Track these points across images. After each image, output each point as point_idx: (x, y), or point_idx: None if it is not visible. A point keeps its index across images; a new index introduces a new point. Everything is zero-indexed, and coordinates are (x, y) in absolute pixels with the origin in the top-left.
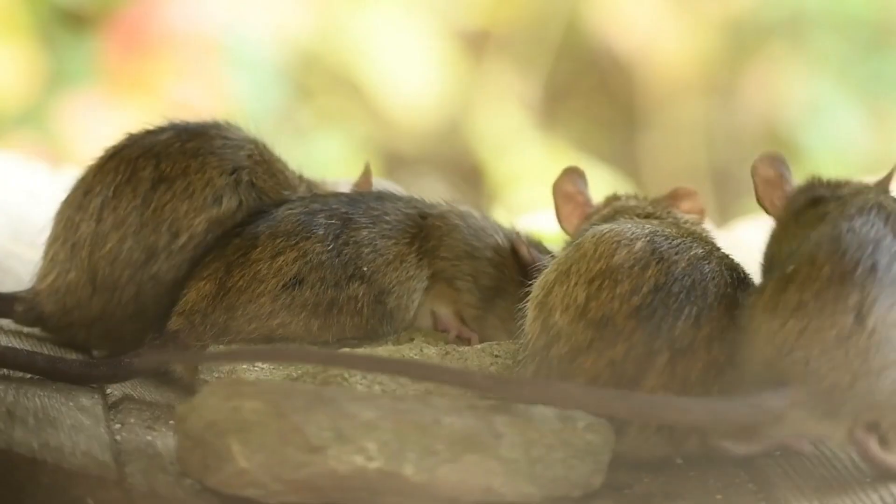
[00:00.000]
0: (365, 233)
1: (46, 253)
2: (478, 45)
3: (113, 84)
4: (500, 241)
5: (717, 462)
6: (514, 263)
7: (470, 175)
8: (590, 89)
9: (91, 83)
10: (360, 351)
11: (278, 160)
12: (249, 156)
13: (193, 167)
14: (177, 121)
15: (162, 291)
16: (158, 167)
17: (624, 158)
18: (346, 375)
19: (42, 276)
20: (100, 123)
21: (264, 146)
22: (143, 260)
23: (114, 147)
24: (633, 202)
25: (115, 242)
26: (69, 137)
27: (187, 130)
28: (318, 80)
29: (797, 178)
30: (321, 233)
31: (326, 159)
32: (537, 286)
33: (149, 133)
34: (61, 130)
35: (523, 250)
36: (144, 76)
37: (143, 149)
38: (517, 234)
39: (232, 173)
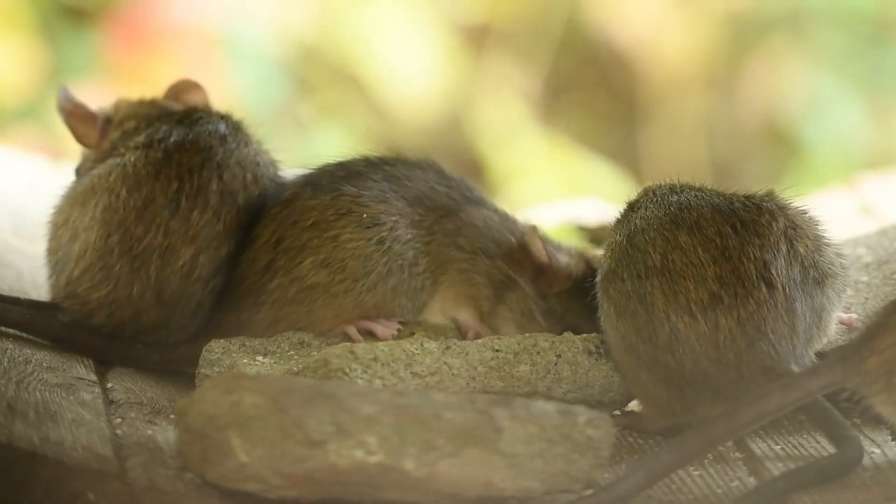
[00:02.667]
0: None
1: (87, 260)
2: (478, 38)
3: (114, 78)
4: (515, 239)
5: (719, 458)
6: (527, 259)
7: (470, 169)
8: (590, 83)
9: (92, 77)
10: (361, 346)
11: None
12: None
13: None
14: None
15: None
16: (222, 179)
17: (624, 152)
18: (347, 370)
19: (89, 287)
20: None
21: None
22: (212, 273)
23: (153, 146)
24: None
25: (188, 258)
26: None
27: (225, 132)
28: (318, 73)
29: (794, 173)
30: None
31: (327, 153)
32: None
33: (191, 126)
34: (62, 125)
35: (537, 246)
36: (145, 70)
37: (202, 154)
38: (533, 228)
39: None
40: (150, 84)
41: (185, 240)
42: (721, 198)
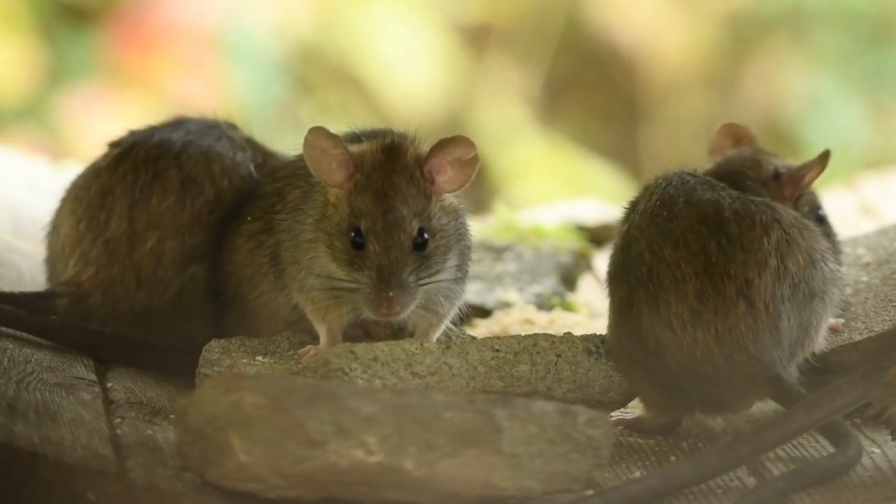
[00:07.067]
0: None
1: (67, 250)
2: (478, 38)
3: (113, 78)
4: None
5: None
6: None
7: None
8: (590, 83)
9: (91, 77)
10: (361, 346)
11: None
12: (253, 161)
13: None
14: (177, 116)
15: (201, 288)
16: (181, 167)
17: (624, 152)
18: (347, 370)
19: (78, 271)
20: (100, 118)
21: (257, 145)
22: (185, 259)
23: (120, 145)
24: None
25: (154, 242)
26: (70, 132)
27: (197, 130)
28: (318, 74)
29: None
30: None
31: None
32: None
33: (155, 129)
34: (62, 125)
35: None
36: (145, 70)
37: (159, 147)
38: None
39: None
40: (149, 84)
41: (149, 225)
42: (717, 203)
